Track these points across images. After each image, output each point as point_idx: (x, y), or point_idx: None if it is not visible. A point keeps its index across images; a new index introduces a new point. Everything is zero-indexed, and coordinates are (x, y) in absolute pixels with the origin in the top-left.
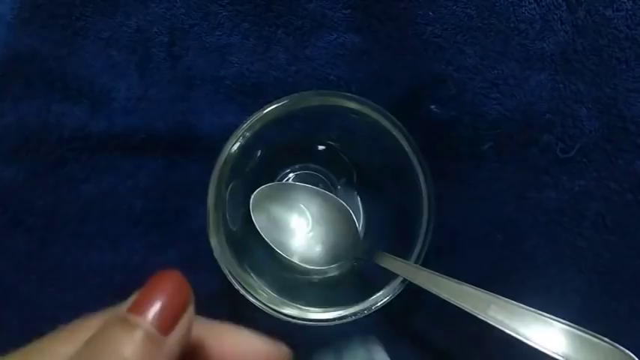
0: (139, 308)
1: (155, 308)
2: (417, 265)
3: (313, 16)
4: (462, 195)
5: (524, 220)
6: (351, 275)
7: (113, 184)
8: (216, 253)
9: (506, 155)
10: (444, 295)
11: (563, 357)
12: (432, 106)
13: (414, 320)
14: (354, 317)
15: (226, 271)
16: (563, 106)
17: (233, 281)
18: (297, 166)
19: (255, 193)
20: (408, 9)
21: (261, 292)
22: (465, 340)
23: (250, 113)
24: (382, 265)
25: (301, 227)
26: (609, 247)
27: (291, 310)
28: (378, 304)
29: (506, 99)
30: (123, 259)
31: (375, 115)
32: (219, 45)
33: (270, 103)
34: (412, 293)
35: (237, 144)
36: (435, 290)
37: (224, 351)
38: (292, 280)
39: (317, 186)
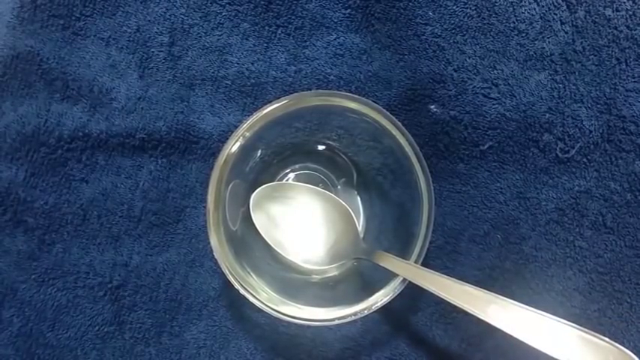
0: None
1: None
2: (417, 265)
3: (313, 16)
4: (462, 195)
5: (524, 220)
6: (351, 275)
7: (113, 184)
8: (216, 253)
9: (506, 155)
10: (444, 295)
11: (563, 357)
12: (432, 106)
13: (414, 320)
14: (354, 317)
15: (226, 271)
16: (563, 106)
17: (233, 281)
18: (297, 166)
19: (255, 192)
20: (408, 9)
21: (261, 291)
22: (465, 340)
23: (250, 113)
24: (382, 265)
25: (301, 227)
26: (609, 247)
27: (291, 310)
28: (378, 304)
29: (506, 99)
30: (123, 259)
31: (375, 115)
32: (219, 45)
33: (270, 103)
34: (412, 293)
35: (237, 144)
36: (434, 290)
37: None
38: (292, 280)
39: (317, 186)
